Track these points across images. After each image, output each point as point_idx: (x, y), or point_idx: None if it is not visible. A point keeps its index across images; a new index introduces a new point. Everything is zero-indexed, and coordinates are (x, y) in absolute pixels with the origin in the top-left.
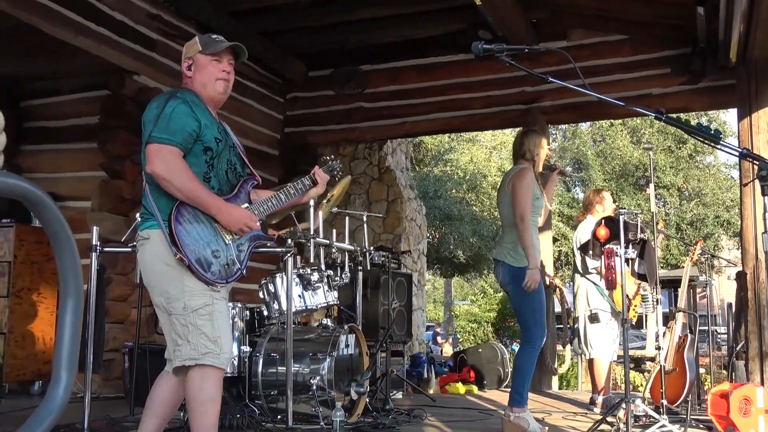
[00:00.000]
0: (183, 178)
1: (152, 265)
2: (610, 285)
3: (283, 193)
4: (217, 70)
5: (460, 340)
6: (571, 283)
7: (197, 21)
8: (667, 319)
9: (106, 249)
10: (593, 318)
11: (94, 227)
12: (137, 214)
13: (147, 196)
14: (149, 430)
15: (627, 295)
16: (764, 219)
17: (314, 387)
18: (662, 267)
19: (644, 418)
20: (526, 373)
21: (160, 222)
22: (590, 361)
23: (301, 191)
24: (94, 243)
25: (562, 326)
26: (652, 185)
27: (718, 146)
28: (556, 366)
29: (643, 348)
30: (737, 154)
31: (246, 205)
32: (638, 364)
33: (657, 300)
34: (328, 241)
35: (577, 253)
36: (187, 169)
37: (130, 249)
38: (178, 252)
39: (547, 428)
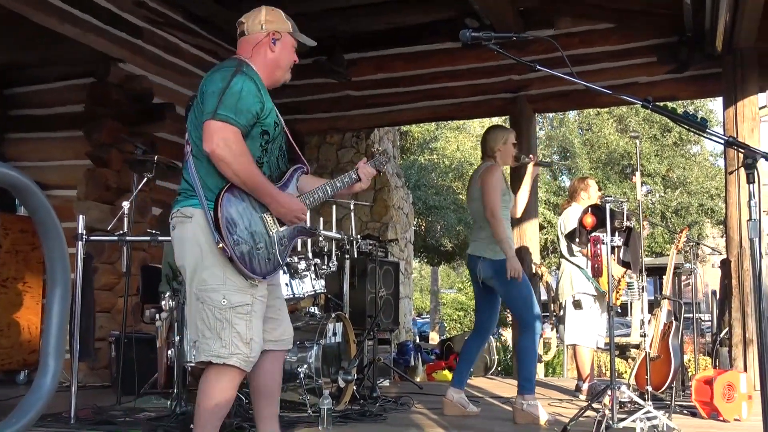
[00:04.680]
0: (243, 161)
1: (191, 247)
2: (596, 273)
3: (330, 186)
4: (294, 56)
5: (447, 328)
6: (557, 271)
7: (184, 8)
8: (653, 306)
9: (92, 238)
10: (576, 304)
11: (80, 216)
12: (123, 204)
13: (190, 171)
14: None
15: (613, 276)
16: (749, 207)
17: (301, 375)
18: (647, 255)
19: (629, 405)
20: (531, 359)
21: (203, 201)
22: (574, 348)
23: (347, 185)
24: (80, 231)
25: (547, 314)
26: (638, 173)
27: (705, 134)
28: (541, 353)
29: (628, 335)
30: (723, 142)
31: (295, 195)
32: (623, 351)
33: (642, 287)
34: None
35: (562, 239)
36: (248, 153)
37: (116, 238)
38: (221, 241)
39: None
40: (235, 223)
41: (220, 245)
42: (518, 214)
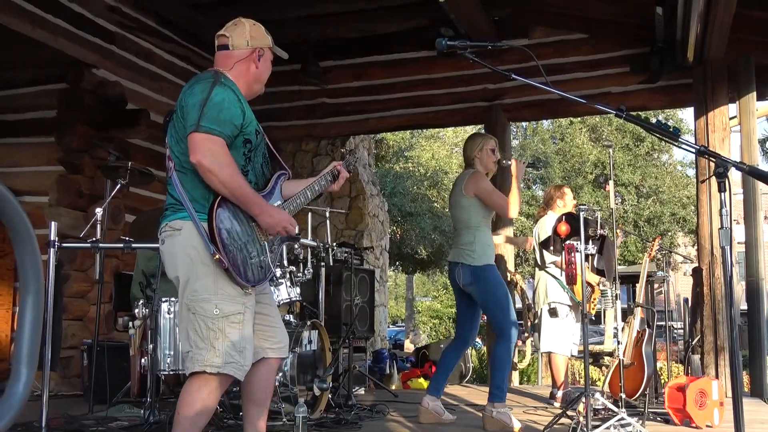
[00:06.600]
0: (229, 172)
1: (182, 259)
2: (571, 280)
3: (310, 190)
4: (271, 69)
5: (423, 334)
6: (532, 279)
7: (157, 13)
8: (626, 314)
9: (64, 245)
10: (552, 312)
11: (52, 222)
12: (96, 211)
13: (175, 185)
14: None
15: (588, 281)
16: (720, 215)
17: (276, 383)
18: (620, 263)
19: (603, 412)
20: (504, 367)
21: (192, 214)
22: (549, 356)
23: (324, 187)
24: (52, 238)
25: (522, 322)
26: (611, 182)
27: (677, 143)
28: (516, 361)
29: (601, 343)
30: (695, 151)
31: (279, 202)
32: (596, 359)
33: (616, 295)
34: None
35: (537, 248)
36: (234, 164)
37: (89, 245)
38: (217, 252)
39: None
40: (229, 234)
41: (217, 256)
42: (513, 215)
